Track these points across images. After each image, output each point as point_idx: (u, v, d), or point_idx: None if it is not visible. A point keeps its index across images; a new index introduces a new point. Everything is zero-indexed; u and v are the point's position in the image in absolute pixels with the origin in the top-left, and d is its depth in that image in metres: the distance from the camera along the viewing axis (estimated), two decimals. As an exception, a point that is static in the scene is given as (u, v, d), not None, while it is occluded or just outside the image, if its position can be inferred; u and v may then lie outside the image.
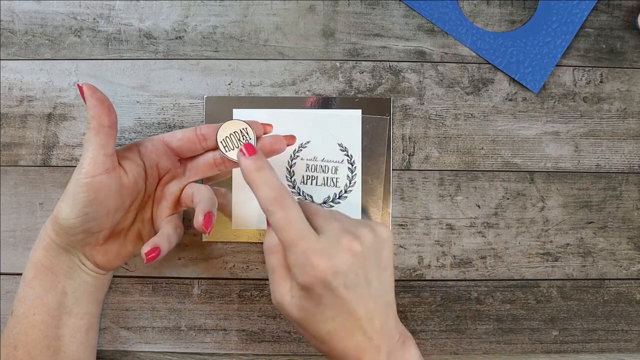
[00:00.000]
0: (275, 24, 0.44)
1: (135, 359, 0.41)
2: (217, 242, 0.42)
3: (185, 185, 0.37)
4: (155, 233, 0.36)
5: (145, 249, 0.32)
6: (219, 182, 0.42)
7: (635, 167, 0.43)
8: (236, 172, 0.42)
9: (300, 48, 0.43)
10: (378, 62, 0.43)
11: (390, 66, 0.43)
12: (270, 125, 0.39)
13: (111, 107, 0.33)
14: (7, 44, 0.43)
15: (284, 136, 0.38)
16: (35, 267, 0.35)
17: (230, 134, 0.36)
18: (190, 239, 0.42)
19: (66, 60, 0.43)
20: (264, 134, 0.38)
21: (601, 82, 0.43)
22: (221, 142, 0.36)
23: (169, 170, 0.37)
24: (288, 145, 0.38)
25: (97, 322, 0.39)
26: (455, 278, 0.42)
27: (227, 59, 0.43)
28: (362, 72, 0.43)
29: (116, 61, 0.43)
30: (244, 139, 0.36)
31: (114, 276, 0.41)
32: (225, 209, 0.41)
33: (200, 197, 0.35)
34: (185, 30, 0.43)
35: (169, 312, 0.41)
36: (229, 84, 0.43)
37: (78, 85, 0.33)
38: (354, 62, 0.43)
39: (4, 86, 0.43)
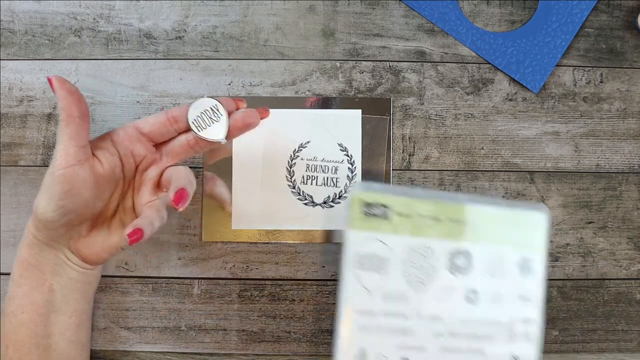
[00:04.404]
0: (275, 24, 0.44)
1: (135, 359, 0.41)
2: (217, 242, 0.42)
3: (164, 170, 0.36)
4: None
5: (128, 230, 0.32)
6: (220, 174, 0.42)
7: (635, 167, 0.43)
8: (236, 172, 0.42)
9: (300, 48, 0.43)
10: (378, 62, 0.43)
11: (390, 66, 0.43)
12: (242, 100, 0.38)
13: (81, 98, 0.33)
14: (7, 44, 0.43)
15: (257, 109, 0.37)
16: (21, 265, 0.35)
17: (201, 113, 0.35)
18: (190, 239, 0.42)
19: (66, 60, 0.43)
20: (237, 109, 0.37)
21: (601, 82, 0.43)
22: (193, 122, 0.35)
23: (144, 156, 0.36)
24: (262, 118, 0.37)
25: (88, 319, 0.38)
26: (455, 278, 0.42)
27: (227, 59, 0.43)
28: (362, 72, 0.43)
29: (116, 61, 0.43)
30: (215, 117, 0.35)
31: (114, 276, 0.41)
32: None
33: (175, 176, 0.35)
34: (185, 30, 0.43)
35: (169, 312, 0.41)
36: (229, 84, 0.43)
37: (48, 77, 0.33)
38: (354, 62, 0.43)
39: (4, 86, 0.43)
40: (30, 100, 0.43)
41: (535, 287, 0.34)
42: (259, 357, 0.41)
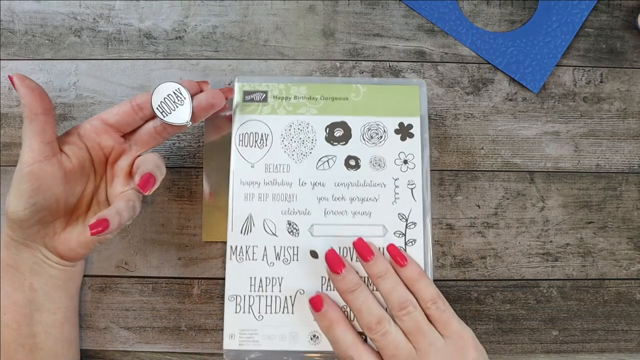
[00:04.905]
0: (275, 24, 0.44)
1: (135, 359, 0.41)
2: (217, 242, 0.42)
3: (135, 159, 0.36)
4: None
5: (91, 221, 0.32)
6: (220, 174, 0.42)
7: (635, 167, 0.43)
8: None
9: (300, 48, 0.43)
10: (378, 62, 0.43)
11: (390, 66, 0.43)
12: (206, 82, 0.38)
13: (43, 94, 0.33)
14: (7, 44, 0.43)
15: (221, 89, 0.37)
16: (1, 268, 0.35)
17: (165, 98, 0.35)
18: (190, 239, 0.42)
19: (66, 60, 0.43)
20: (201, 91, 0.37)
21: (601, 82, 0.43)
22: (157, 108, 0.35)
23: (112, 147, 0.36)
24: (227, 98, 0.37)
25: (73, 315, 0.38)
26: (455, 278, 0.42)
27: (227, 59, 0.43)
28: (362, 72, 0.43)
29: (116, 61, 0.43)
30: (179, 100, 0.35)
31: (114, 276, 0.41)
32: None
33: (143, 162, 0.35)
34: (185, 30, 0.43)
35: (169, 312, 0.41)
36: (229, 84, 0.43)
37: (9, 76, 0.32)
38: (354, 62, 0.43)
39: (4, 86, 0.43)
40: (30, 100, 0.43)
41: (415, 149, 0.39)
42: (259, 357, 0.41)
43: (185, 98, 0.35)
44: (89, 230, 0.31)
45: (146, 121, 0.36)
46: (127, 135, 0.37)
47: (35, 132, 0.32)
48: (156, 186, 0.35)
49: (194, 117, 0.35)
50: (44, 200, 0.33)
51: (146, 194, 0.34)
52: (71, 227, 0.35)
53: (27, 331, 0.35)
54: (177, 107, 0.35)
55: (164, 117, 0.35)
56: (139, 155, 0.36)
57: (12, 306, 0.34)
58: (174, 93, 0.35)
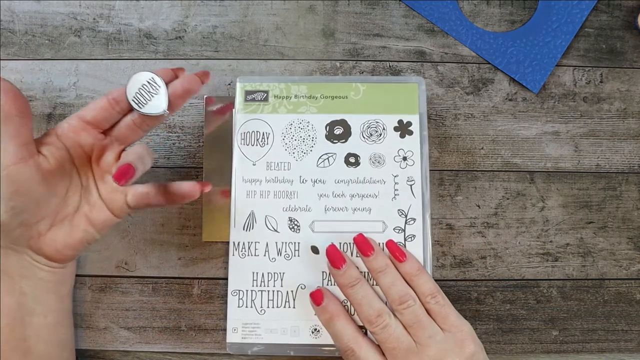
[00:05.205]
0: (275, 24, 0.44)
1: (135, 359, 0.41)
2: (217, 242, 0.42)
3: (120, 154, 0.35)
4: (109, 213, 0.35)
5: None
6: (220, 174, 0.42)
7: (635, 167, 0.43)
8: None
9: (300, 48, 0.43)
10: (378, 62, 0.43)
11: (390, 66, 0.43)
12: (181, 69, 0.37)
13: (17, 95, 0.32)
14: (7, 44, 0.43)
15: (196, 73, 0.36)
16: None
17: (139, 89, 0.34)
18: (190, 239, 0.42)
19: (66, 60, 0.43)
20: (176, 78, 0.36)
21: (601, 82, 0.43)
22: (132, 99, 0.34)
23: (92, 144, 0.35)
24: (203, 83, 0.36)
25: (66, 318, 0.38)
26: (455, 278, 0.42)
27: (227, 59, 0.43)
28: (362, 72, 0.43)
29: (116, 61, 0.43)
30: (153, 90, 0.34)
31: (114, 276, 0.41)
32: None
33: (126, 154, 0.34)
34: (185, 30, 0.43)
35: (169, 312, 0.41)
36: (229, 84, 0.43)
37: None
38: (354, 62, 0.43)
39: (4, 86, 0.43)
40: (30, 100, 0.43)
41: (414, 146, 0.40)
42: (258, 357, 0.41)
43: (160, 86, 0.34)
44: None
45: (125, 115, 0.35)
46: (107, 132, 0.36)
47: (10, 135, 0.32)
48: (135, 177, 0.34)
49: (171, 105, 0.34)
50: (24, 204, 0.32)
51: (121, 185, 0.33)
52: (57, 227, 0.34)
53: (19, 335, 0.34)
54: (152, 96, 0.34)
55: (140, 108, 0.34)
56: (122, 150, 0.36)
57: (3, 310, 0.34)
58: (149, 82, 0.34)
